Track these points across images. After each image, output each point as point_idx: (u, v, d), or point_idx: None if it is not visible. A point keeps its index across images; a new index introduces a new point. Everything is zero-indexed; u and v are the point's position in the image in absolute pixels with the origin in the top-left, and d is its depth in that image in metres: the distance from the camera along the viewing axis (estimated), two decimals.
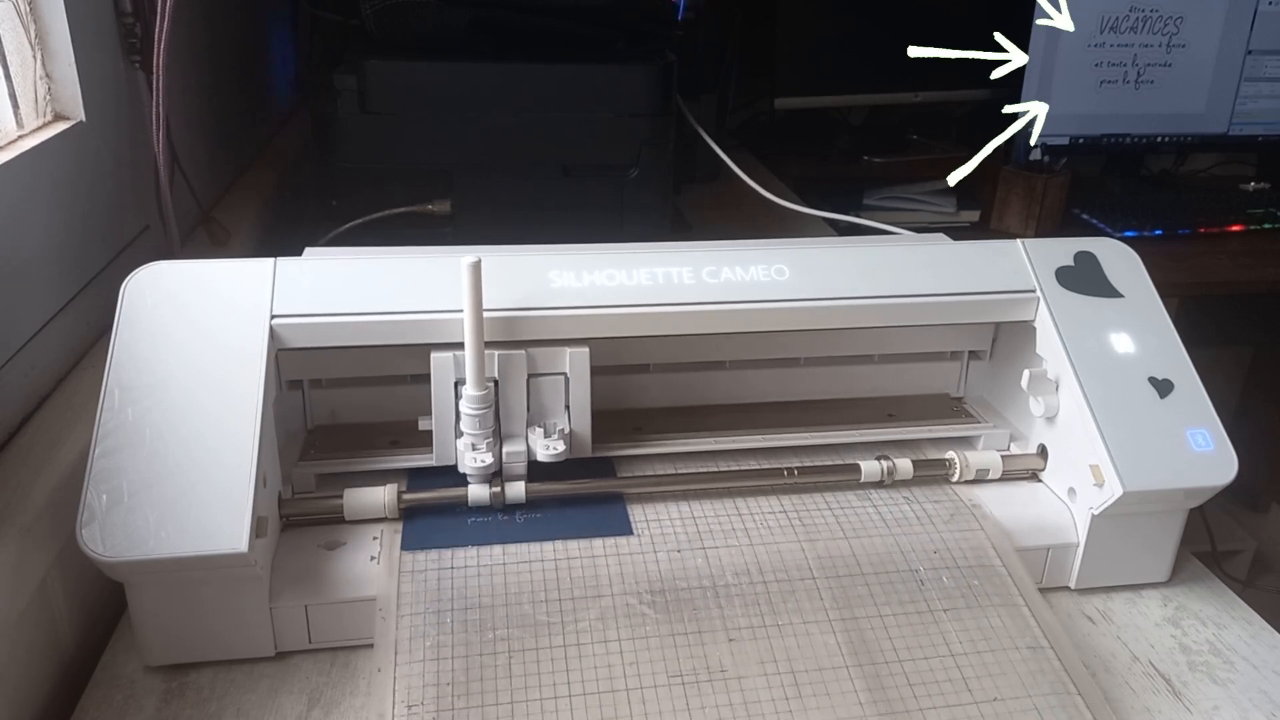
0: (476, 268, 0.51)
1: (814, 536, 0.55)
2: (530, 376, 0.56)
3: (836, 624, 0.50)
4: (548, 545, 0.53)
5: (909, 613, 0.51)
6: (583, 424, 0.58)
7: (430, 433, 0.58)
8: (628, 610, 0.50)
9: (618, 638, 0.49)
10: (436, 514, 0.55)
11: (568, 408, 0.57)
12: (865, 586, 0.52)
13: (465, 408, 0.54)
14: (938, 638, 0.50)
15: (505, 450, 0.56)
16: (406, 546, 0.52)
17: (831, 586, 0.52)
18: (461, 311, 0.54)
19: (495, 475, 0.56)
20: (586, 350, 0.57)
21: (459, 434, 0.56)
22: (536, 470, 0.57)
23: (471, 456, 0.55)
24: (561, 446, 0.56)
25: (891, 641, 0.50)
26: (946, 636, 0.50)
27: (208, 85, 0.94)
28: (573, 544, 0.53)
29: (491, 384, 0.55)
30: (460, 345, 0.55)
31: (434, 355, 0.55)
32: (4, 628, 0.46)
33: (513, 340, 0.56)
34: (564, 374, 0.57)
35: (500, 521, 0.55)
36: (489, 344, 0.54)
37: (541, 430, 0.57)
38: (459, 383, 0.55)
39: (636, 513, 0.56)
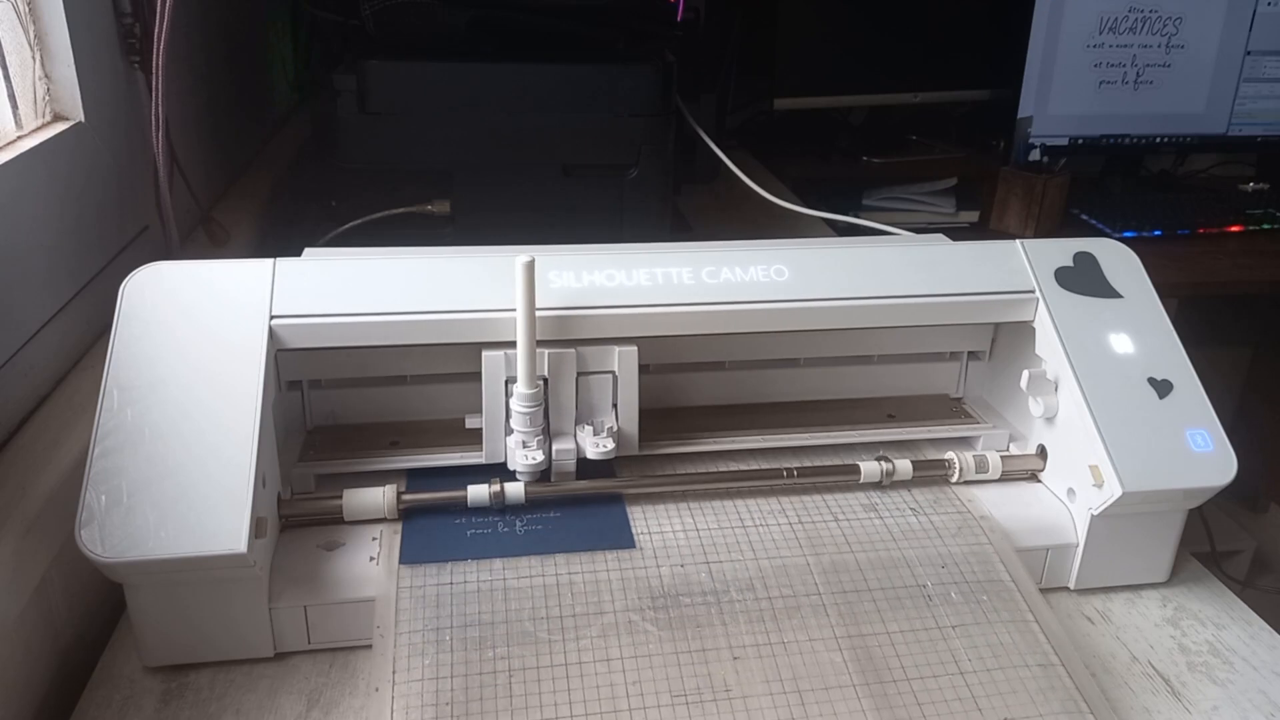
0: (530, 267, 0.51)
1: (819, 550, 0.54)
2: (580, 375, 0.56)
3: (843, 641, 0.49)
4: (548, 559, 0.52)
5: (916, 629, 0.50)
6: (631, 422, 0.58)
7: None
8: (630, 627, 0.49)
9: (620, 656, 0.48)
10: (436, 521, 0.55)
11: (615, 406, 0.58)
12: (872, 602, 0.51)
13: (516, 406, 0.55)
14: (946, 655, 0.49)
15: (555, 448, 0.56)
16: (405, 560, 0.52)
17: (837, 602, 0.51)
18: (460, 312, 0.55)
19: (544, 474, 0.56)
20: (635, 349, 0.57)
21: (509, 431, 0.56)
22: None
23: (522, 454, 0.55)
24: (611, 444, 0.56)
25: (899, 659, 0.49)
26: (955, 654, 0.49)
27: (207, 86, 0.94)
28: (574, 558, 0.52)
29: (542, 382, 0.55)
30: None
31: (485, 354, 0.55)
32: (4, 628, 0.46)
33: (562, 340, 0.56)
34: (613, 372, 0.57)
35: (500, 533, 0.54)
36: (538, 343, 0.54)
37: (590, 428, 0.57)
38: (509, 381, 0.55)
39: (638, 521, 0.55)
